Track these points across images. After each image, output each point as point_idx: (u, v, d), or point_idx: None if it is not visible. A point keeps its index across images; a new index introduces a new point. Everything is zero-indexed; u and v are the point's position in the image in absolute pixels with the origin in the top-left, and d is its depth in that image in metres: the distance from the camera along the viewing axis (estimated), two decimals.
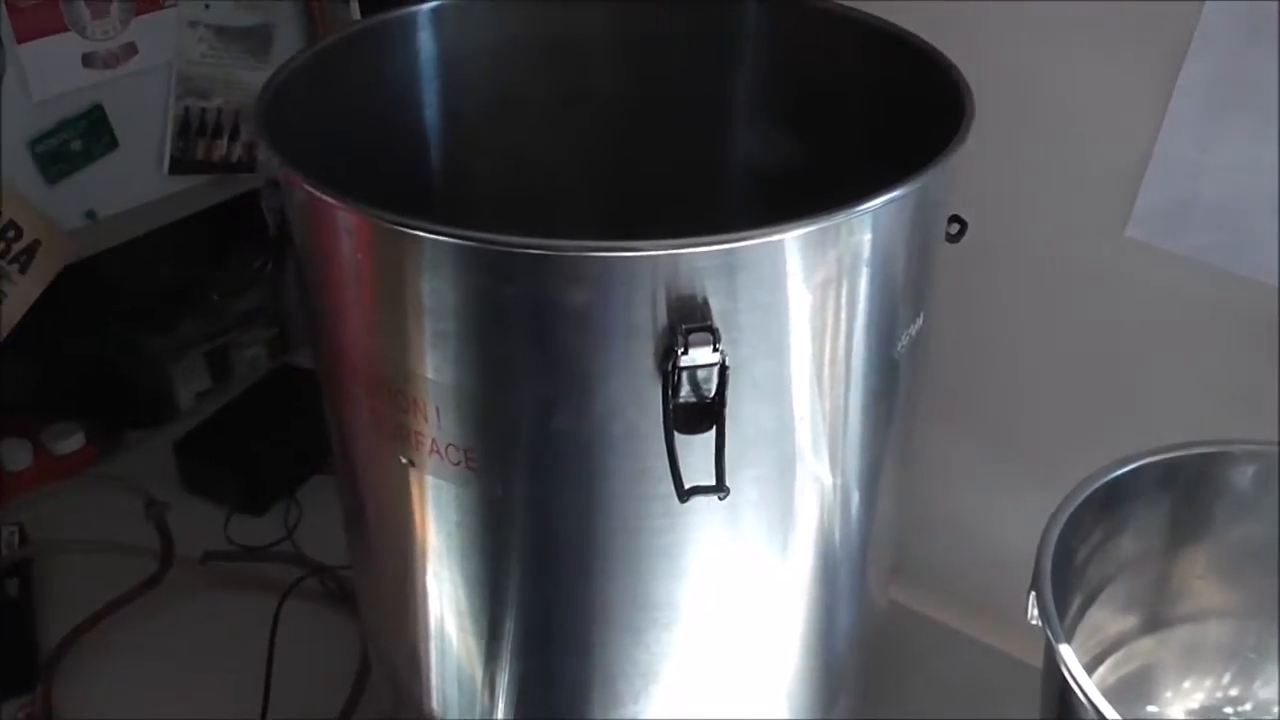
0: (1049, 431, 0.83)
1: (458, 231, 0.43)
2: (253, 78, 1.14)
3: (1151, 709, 0.68)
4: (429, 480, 0.51)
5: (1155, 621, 0.68)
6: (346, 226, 0.46)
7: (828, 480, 0.51)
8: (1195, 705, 0.69)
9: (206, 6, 1.08)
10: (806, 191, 0.59)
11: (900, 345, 0.49)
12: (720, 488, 0.44)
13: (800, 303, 0.44)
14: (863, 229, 0.44)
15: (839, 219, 0.42)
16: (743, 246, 0.41)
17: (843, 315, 0.46)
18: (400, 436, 0.50)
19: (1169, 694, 0.68)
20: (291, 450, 1.14)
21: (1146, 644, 0.68)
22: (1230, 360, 0.74)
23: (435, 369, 0.47)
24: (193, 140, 1.12)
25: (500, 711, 0.58)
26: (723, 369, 0.42)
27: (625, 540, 0.49)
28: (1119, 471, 0.62)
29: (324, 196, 0.47)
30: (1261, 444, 0.63)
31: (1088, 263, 0.77)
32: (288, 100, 0.54)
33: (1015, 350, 0.81)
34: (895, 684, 0.71)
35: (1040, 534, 0.60)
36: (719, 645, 0.55)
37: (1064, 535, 0.59)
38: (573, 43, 0.67)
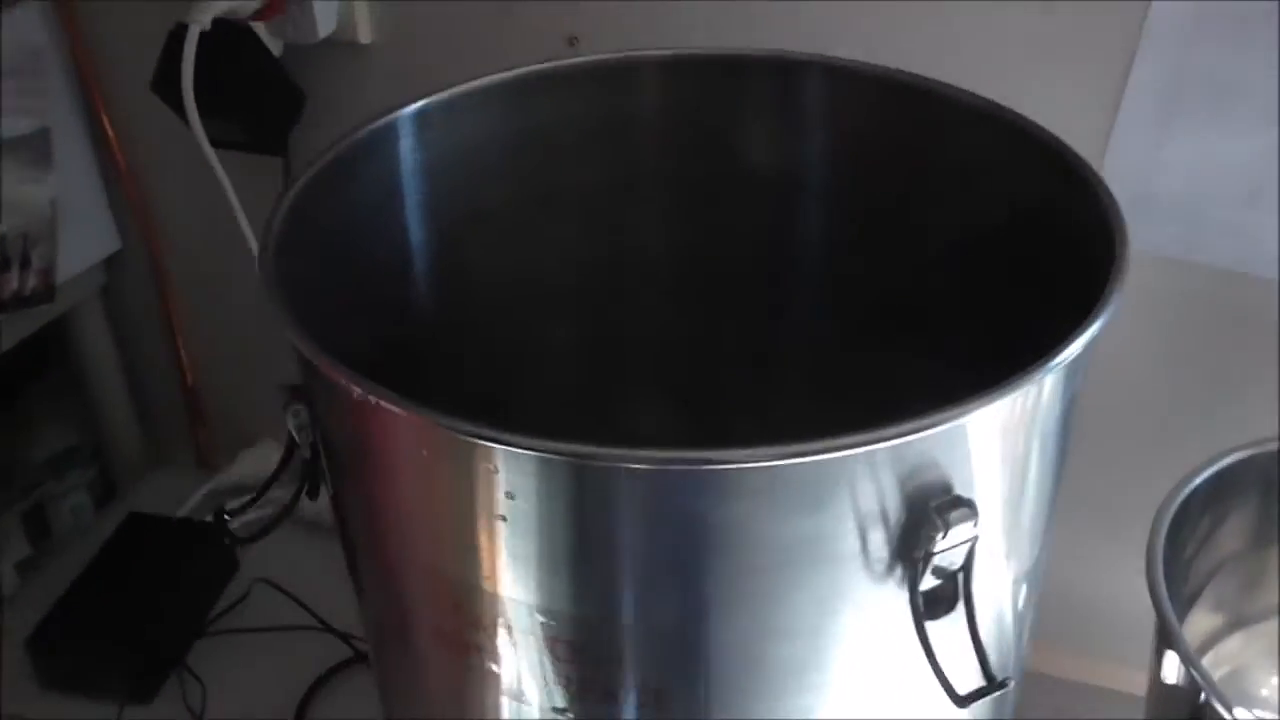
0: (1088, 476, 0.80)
1: (603, 453, 0.34)
2: (36, 193, 0.96)
3: (1258, 712, 0.68)
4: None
5: (1243, 618, 0.68)
6: (482, 459, 0.36)
7: (1009, 606, 0.45)
8: None
9: None
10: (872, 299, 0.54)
11: (1064, 471, 0.44)
12: (1000, 684, 0.37)
13: (1001, 461, 0.38)
14: (1051, 377, 0.38)
15: (1047, 368, 0.37)
16: (971, 415, 0.35)
17: (1039, 460, 0.40)
18: (506, 671, 0.41)
19: (1265, 692, 0.68)
20: (172, 616, 0.98)
21: (1234, 643, 0.68)
22: (1214, 354, 0.75)
23: (571, 602, 0.38)
24: None
25: None
26: (972, 541, 0.36)
27: None
28: (1213, 469, 0.61)
29: (407, 412, 0.37)
30: None
31: None
32: (285, 255, 0.43)
33: None
34: None
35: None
36: None
37: (1170, 540, 0.57)
38: (614, 130, 0.58)
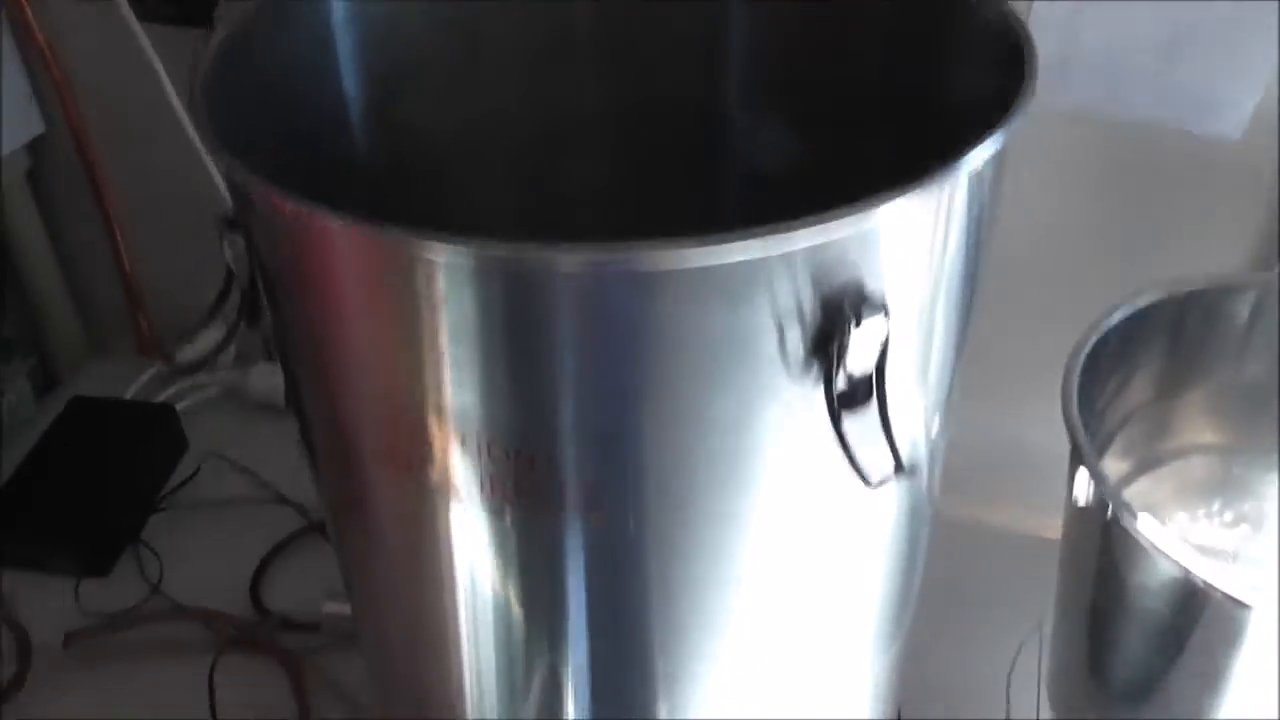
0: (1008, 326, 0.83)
1: (535, 252, 0.35)
2: None
3: None
4: (499, 523, 0.44)
5: (1151, 461, 0.73)
6: (404, 256, 0.37)
7: (920, 411, 0.48)
8: (1194, 536, 0.74)
9: None
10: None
11: (979, 278, 0.46)
12: (905, 467, 0.40)
13: (912, 263, 0.41)
14: (962, 182, 0.40)
15: (953, 173, 0.39)
16: (887, 211, 0.37)
17: (948, 266, 0.43)
18: (448, 482, 0.43)
19: (1172, 528, 0.73)
20: (124, 492, 0.99)
21: (1144, 484, 0.72)
22: (1132, 206, 0.77)
23: (495, 400, 0.40)
24: None
25: None
26: (883, 340, 0.38)
27: (733, 549, 0.45)
28: (1130, 310, 0.64)
29: (341, 223, 0.38)
30: (1259, 276, 0.66)
31: None
32: (216, 101, 0.44)
33: None
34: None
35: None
36: (805, 616, 0.52)
37: (1082, 389, 0.60)
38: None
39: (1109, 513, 0.58)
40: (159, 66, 0.87)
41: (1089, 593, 0.67)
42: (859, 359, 0.38)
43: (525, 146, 0.67)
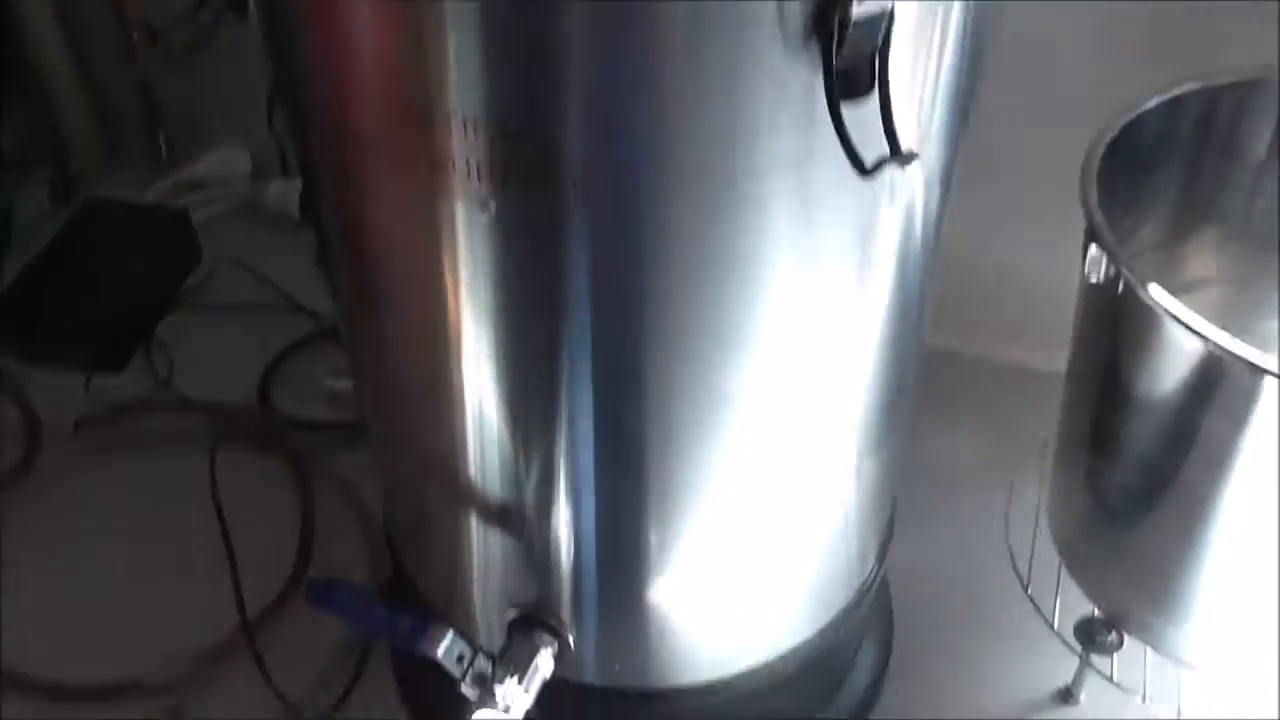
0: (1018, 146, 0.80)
1: None
2: None
3: None
4: (478, 214, 0.42)
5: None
6: None
7: (917, 175, 0.46)
8: None
9: None
10: None
11: (986, 19, 0.44)
12: (905, 155, 0.38)
13: None
14: None
15: None
16: None
17: None
18: (438, 167, 0.41)
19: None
20: (135, 291, 1.00)
21: None
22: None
23: (491, 72, 0.38)
24: None
25: (559, 474, 0.53)
26: (890, 16, 0.36)
27: (722, 241, 0.43)
28: (1151, 104, 0.61)
29: None
30: None
31: None
32: None
33: None
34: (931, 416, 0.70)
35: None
36: (798, 372, 0.51)
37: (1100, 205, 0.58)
38: None
39: (1120, 287, 0.56)
40: None
41: (1095, 397, 0.65)
42: (860, 37, 0.36)
43: None
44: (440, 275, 0.46)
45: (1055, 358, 0.70)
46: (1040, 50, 0.76)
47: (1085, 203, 0.58)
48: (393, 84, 0.41)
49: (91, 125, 1.15)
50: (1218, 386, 0.54)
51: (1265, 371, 0.51)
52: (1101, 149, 0.60)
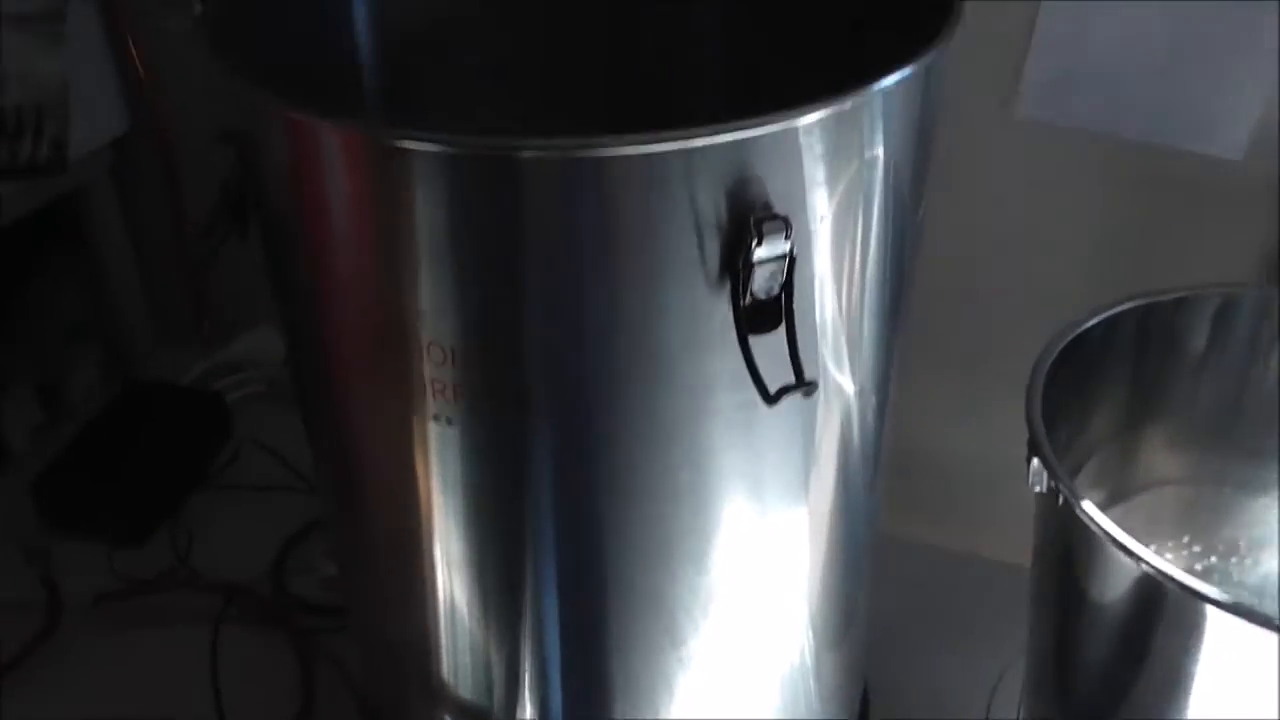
0: (979, 338, 0.85)
1: (495, 142, 0.39)
2: (47, 67, 1.02)
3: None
4: (446, 430, 0.46)
5: (1120, 492, 0.72)
6: (343, 149, 0.41)
7: (849, 385, 0.50)
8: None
9: None
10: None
11: (907, 241, 0.48)
12: (806, 383, 0.42)
13: (829, 191, 0.43)
14: (877, 109, 0.43)
15: (871, 92, 0.41)
16: (793, 126, 0.39)
17: (868, 199, 0.45)
18: (409, 386, 0.46)
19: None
20: (167, 470, 1.05)
21: (1114, 514, 0.71)
22: (1132, 222, 0.78)
23: (456, 302, 0.43)
24: None
25: (524, 678, 0.55)
26: (791, 259, 0.40)
27: (664, 462, 0.47)
28: (1092, 321, 0.64)
29: (317, 120, 0.42)
30: (1223, 286, 0.66)
31: (979, 150, 0.79)
32: (224, 31, 0.48)
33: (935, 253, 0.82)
34: (892, 606, 0.72)
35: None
36: (749, 577, 0.53)
37: (1045, 415, 0.60)
38: None
39: (1061, 500, 0.58)
40: None
41: (1054, 600, 0.66)
42: (765, 277, 0.40)
43: (519, 78, 0.69)
44: (410, 480, 0.50)
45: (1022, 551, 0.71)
46: (999, 248, 0.81)
47: (1029, 415, 0.61)
48: (370, 310, 0.46)
49: (142, 308, 1.24)
50: (1161, 608, 0.55)
51: (1204, 599, 0.52)
52: (1046, 366, 0.63)
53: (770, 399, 0.42)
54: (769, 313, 0.42)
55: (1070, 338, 0.64)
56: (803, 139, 0.40)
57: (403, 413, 0.47)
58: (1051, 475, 0.58)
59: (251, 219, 0.49)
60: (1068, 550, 0.62)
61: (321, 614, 0.92)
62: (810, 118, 0.39)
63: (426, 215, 0.42)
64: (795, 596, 0.56)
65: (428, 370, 0.45)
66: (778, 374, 0.43)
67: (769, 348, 0.42)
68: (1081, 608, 0.62)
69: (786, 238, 0.40)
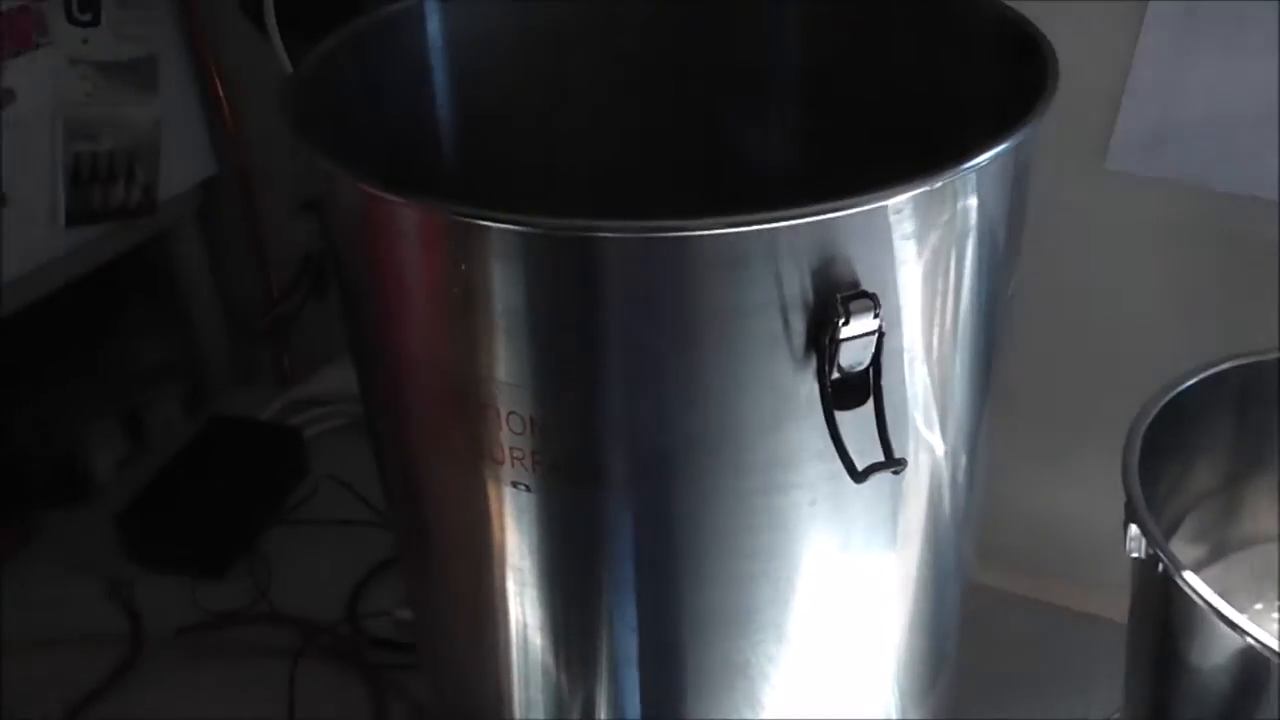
0: (1074, 393, 0.83)
1: (577, 224, 0.39)
2: (140, 114, 1.05)
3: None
4: (523, 496, 0.47)
5: (1222, 548, 0.70)
6: (421, 226, 0.42)
7: (939, 449, 0.49)
8: (1273, 625, 0.71)
9: (85, 41, 0.99)
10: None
11: (999, 309, 0.48)
12: (896, 461, 0.42)
13: (919, 265, 0.42)
14: (969, 187, 0.42)
15: (962, 170, 0.40)
16: (883, 205, 0.39)
17: (959, 273, 0.44)
18: (486, 452, 0.46)
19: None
20: (246, 504, 1.07)
21: (1215, 571, 0.70)
22: (1227, 278, 0.76)
23: (536, 375, 0.43)
24: (85, 188, 1.03)
25: None
26: (880, 336, 0.40)
27: (747, 534, 0.47)
28: (1189, 382, 0.62)
29: (398, 199, 0.42)
30: None
31: (1070, 205, 0.77)
32: (307, 104, 0.49)
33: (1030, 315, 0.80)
34: (983, 658, 0.70)
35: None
36: (832, 642, 0.53)
37: (1143, 469, 0.59)
38: (596, 29, 0.63)
39: (1160, 567, 0.56)
40: None
41: (1151, 663, 0.64)
42: (852, 353, 0.40)
43: (590, 164, 0.70)
44: (486, 543, 0.50)
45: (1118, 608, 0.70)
46: (1096, 306, 0.79)
47: (1126, 480, 0.60)
48: (447, 377, 0.46)
49: (224, 346, 1.26)
50: (1264, 681, 0.54)
51: None
52: (1142, 429, 0.62)
53: (858, 476, 0.41)
54: (856, 388, 0.41)
55: (1168, 398, 0.62)
56: (892, 218, 0.39)
57: (479, 477, 0.48)
58: (1151, 543, 0.57)
59: (331, 285, 0.50)
60: (1166, 616, 0.60)
61: (394, 650, 0.93)
62: (900, 198, 0.39)
63: (505, 291, 0.42)
64: (880, 656, 0.56)
65: (505, 438, 0.45)
66: (864, 447, 0.42)
67: (856, 421, 0.42)
68: (1179, 673, 0.60)
69: (875, 315, 0.39)
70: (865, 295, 0.39)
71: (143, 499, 1.05)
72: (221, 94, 1.10)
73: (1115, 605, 0.76)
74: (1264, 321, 0.75)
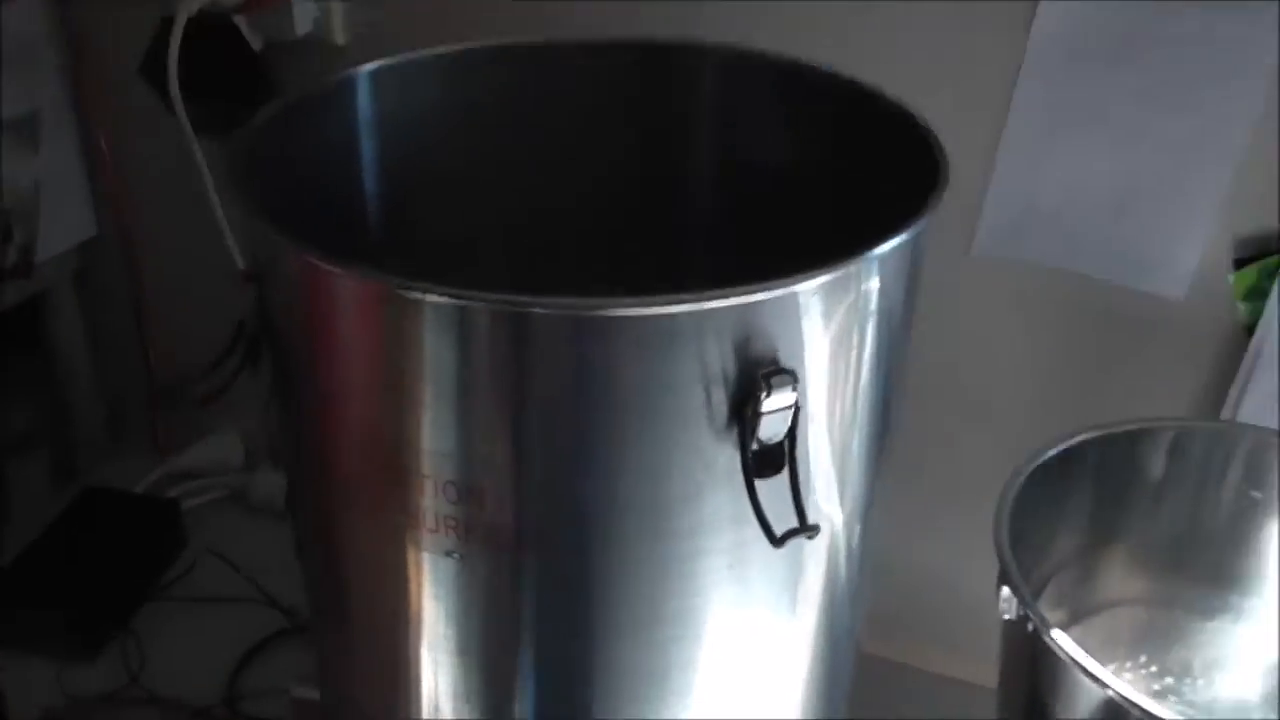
0: (943, 461, 0.88)
1: (514, 299, 0.41)
2: (20, 173, 1.02)
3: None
4: (445, 562, 0.48)
5: (1080, 612, 0.75)
6: (360, 296, 0.43)
7: (838, 519, 0.52)
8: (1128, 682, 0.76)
9: None
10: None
11: (893, 381, 0.51)
12: (811, 527, 0.44)
13: (826, 343, 0.46)
14: (873, 271, 0.46)
15: (867, 258, 0.44)
16: (794, 290, 0.42)
17: (860, 350, 0.47)
18: (412, 519, 0.47)
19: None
20: (119, 580, 1.03)
21: (1075, 633, 0.74)
22: (1078, 353, 0.82)
23: (465, 443, 0.45)
24: None
25: None
26: (796, 409, 0.43)
27: (665, 599, 0.48)
28: (1051, 452, 0.67)
29: (338, 269, 0.44)
30: (1178, 420, 0.71)
31: (941, 287, 0.82)
32: (247, 170, 0.50)
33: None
34: None
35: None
36: (734, 704, 0.55)
37: (1012, 536, 0.63)
38: (525, 103, 0.66)
39: (1030, 627, 0.60)
40: (206, 178, 0.95)
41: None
42: (772, 425, 0.43)
43: (519, 233, 0.72)
44: (404, 609, 0.51)
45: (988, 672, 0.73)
46: (964, 376, 0.84)
47: (997, 545, 0.64)
48: (377, 444, 0.47)
49: (99, 414, 1.22)
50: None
51: None
52: (1010, 499, 0.66)
53: (777, 542, 0.44)
54: (773, 458, 0.44)
55: (1030, 469, 0.67)
56: (803, 300, 0.42)
57: (403, 544, 0.48)
58: (1022, 603, 0.61)
59: (264, 354, 0.51)
60: (1035, 673, 0.64)
61: None
62: (813, 282, 0.42)
63: (438, 360, 0.43)
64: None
65: (429, 504, 0.46)
66: (776, 513, 0.45)
67: (769, 490, 0.44)
68: None
69: (793, 389, 0.42)
70: (785, 371, 0.42)
71: (8, 574, 1.00)
72: (106, 151, 1.08)
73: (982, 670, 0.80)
74: (1121, 395, 0.81)
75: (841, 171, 0.60)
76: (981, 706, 0.76)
